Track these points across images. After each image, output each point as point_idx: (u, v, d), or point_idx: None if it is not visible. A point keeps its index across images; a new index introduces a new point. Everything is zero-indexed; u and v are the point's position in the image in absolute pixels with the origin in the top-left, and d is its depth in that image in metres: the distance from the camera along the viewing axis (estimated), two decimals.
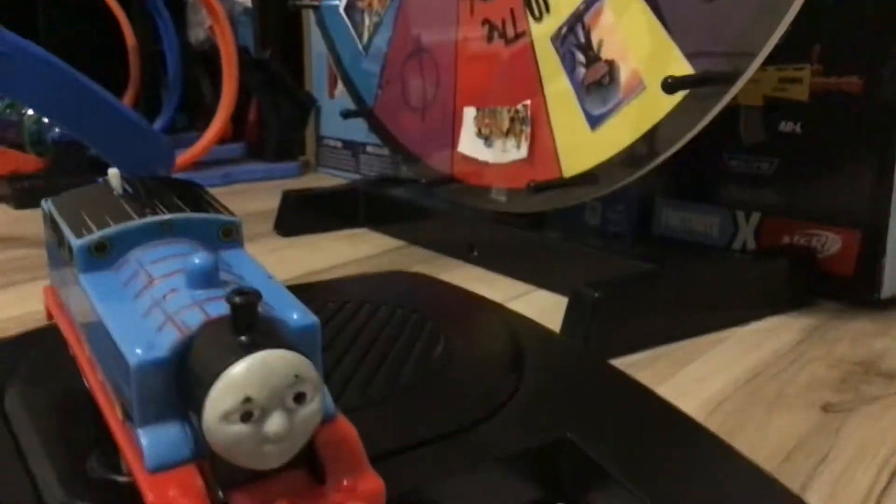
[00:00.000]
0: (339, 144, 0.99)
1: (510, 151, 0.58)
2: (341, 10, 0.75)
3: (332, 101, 0.98)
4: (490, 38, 0.59)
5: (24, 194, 0.82)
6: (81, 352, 0.23)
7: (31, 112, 0.88)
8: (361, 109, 0.75)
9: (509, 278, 0.56)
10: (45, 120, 0.88)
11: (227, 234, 0.23)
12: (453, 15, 0.62)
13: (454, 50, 0.63)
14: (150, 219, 0.22)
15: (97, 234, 0.22)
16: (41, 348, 0.30)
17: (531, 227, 0.58)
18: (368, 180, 0.84)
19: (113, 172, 0.24)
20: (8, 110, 0.91)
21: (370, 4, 0.71)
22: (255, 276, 0.22)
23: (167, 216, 0.22)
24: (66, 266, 0.23)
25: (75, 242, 0.22)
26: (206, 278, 0.20)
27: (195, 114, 1.21)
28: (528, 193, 0.55)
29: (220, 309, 0.18)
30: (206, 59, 1.15)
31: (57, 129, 0.87)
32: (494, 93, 0.59)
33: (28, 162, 0.88)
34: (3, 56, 0.22)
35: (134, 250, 0.22)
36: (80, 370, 0.23)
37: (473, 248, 0.60)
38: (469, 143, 0.62)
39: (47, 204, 0.25)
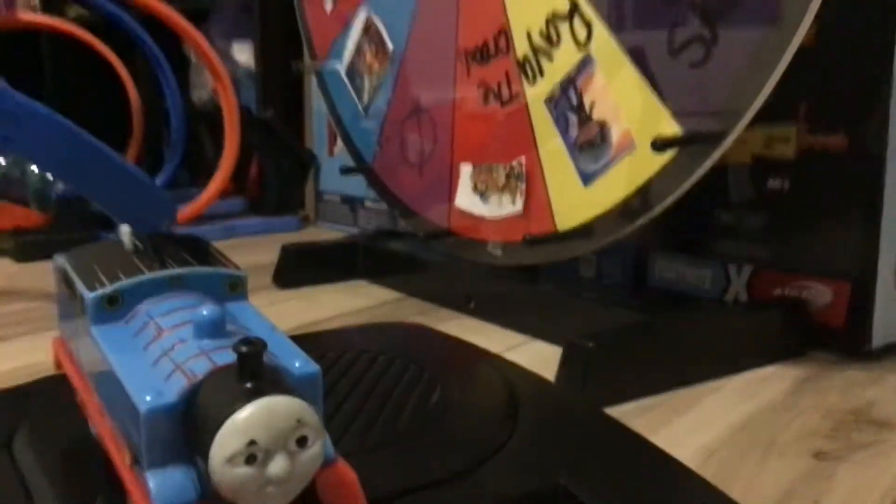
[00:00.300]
0: (338, 199, 1.01)
1: (506, 206, 0.59)
2: (343, 73, 0.77)
3: (332, 158, 1.00)
4: (486, 100, 0.61)
5: (25, 248, 0.84)
6: (90, 400, 0.23)
7: (35, 169, 0.90)
8: (360, 166, 0.77)
9: (506, 329, 0.57)
10: (50, 177, 0.89)
11: (233, 288, 0.24)
12: (450, 77, 0.64)
13: (451, 110, 0.65)
14: (159, 273, 0.23)
15: (109, 288, 0.23)
16: (49, 396, 0.30)
17: (527, 279, 0.58)
18: (367, 234, 0.85)
19: (124, 230, 0.25)
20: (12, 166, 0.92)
21: (371, 68, 0.73)
22: (259, 327, 0.23)
23: (176, 271, 0.23)
24: (78, 318, 0.24)
25: (88, 295, 0.23)
26: (213, 329, 0.21)
27: (196, 170, 1.23)
28: (524, 247, 0.56)
29: (227, 358, 0.19)
30: (208, 117, 1.18)
31: (60, 186, 0.88)
32: (490, 151, 0.61)
33: (30, 217, 0.89)
34: (8, 115, 0.23)
35: (144, 303, 0.23)
36: (87, 417, 0.24)
37: (470, 300, 0.61)
38: (466, 199, 0.63)
39: (60, 258, 0.26)
